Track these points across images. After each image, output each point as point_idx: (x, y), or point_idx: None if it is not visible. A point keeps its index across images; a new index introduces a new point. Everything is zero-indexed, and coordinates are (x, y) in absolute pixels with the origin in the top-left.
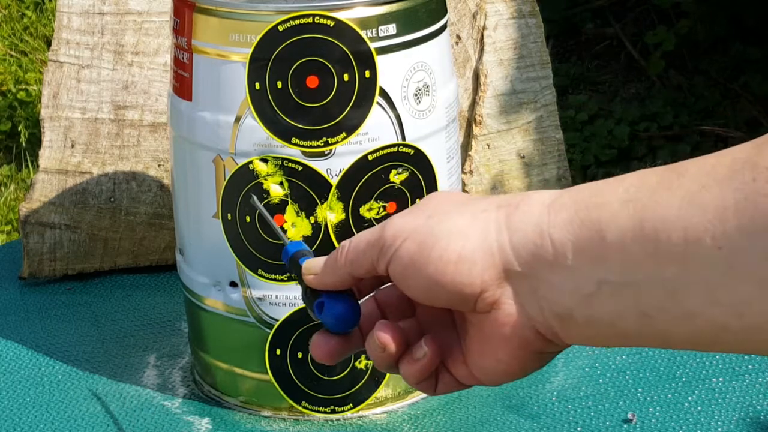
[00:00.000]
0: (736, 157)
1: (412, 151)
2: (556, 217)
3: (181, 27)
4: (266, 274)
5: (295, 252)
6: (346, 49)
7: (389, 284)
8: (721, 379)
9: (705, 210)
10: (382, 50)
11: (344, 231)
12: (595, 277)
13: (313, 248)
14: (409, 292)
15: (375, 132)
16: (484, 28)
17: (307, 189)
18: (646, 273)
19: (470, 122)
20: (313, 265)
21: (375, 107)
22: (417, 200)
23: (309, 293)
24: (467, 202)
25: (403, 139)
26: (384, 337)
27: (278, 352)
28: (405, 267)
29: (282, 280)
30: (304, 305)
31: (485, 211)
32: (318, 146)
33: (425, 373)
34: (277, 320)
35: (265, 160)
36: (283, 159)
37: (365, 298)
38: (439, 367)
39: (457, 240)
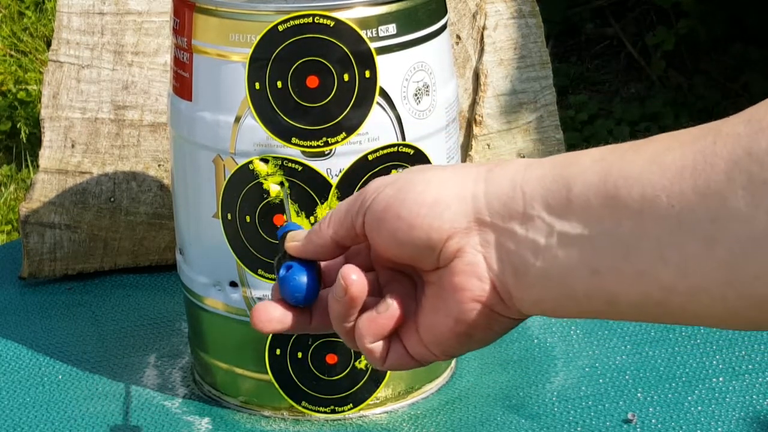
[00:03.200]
0: (703, 127)
1: (412, 151)
2: (531, 173)
3: (181, 27)
4: (266, 274)
5: (291, 229)
6: (346, 49)
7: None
8: (721, 379)
9: (665, 169)
10: (382, 50)
11: None
12: (556, 228)
13: None
14: (378, 242)
15: (375, 132)
16: (484, 28)
17: (307, 189)
18: (603, 227)
19: (470, 122)
20: (298, 233)
21: (375, 107)
22: None
23: (282, 258)
24: (452, 164)
25: (403, 139)
26: (348, 277)
27: (278, 352)
28: (379, 212)
29: None
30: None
31: (466, 167)
32: (318, 146)
33: (384, 331)
34: None
35: (265, 160)
36: (283, 159)
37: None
38: (392, 336)
39: (434, 187)
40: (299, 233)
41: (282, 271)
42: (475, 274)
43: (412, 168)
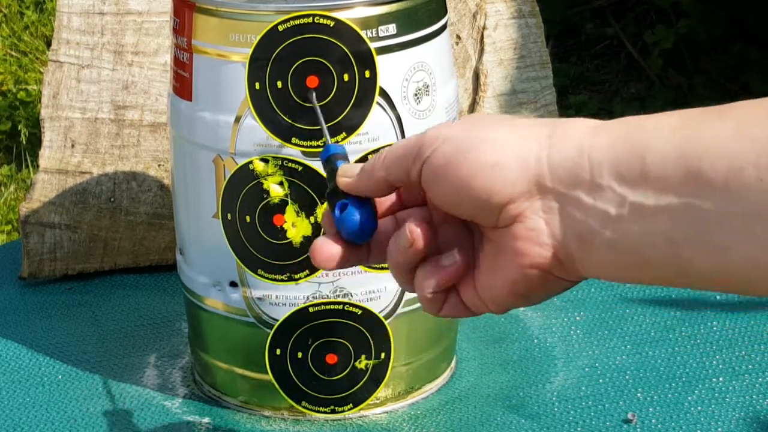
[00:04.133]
0: None
1: None
2: (598, 139)
3: (181, 27)
4: (266, 274)
5: (334, 153)
6: (346, 49)
7: (413, 208)
8: (721, 379)
9: (753, 141)
10: (382, 50)
11: None
12: (629, 199)
13: None
14: (436, 196)
15: (375, 132)
16: (484, 28)
17: (307, 189)
18: (683, 200)
19: None
20: (349, 168)
21: (375, 107)
22: None
23: (335, 193)
24: (509, 118)
25: (403, 138)
26: (416, 231)
27: (278, 352)
28: (438, 167)
29: (282, 280)
30: (304, 305)
31: (527, 125)
32: (318, 146)
33: (446, 283)
34: (277, 320)
35: (265, 160)
36: (283, 159)
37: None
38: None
39: (494, 148)
40: (350, 168)
41: (337, 211)
42: (536, 240)
43: (471, 119)
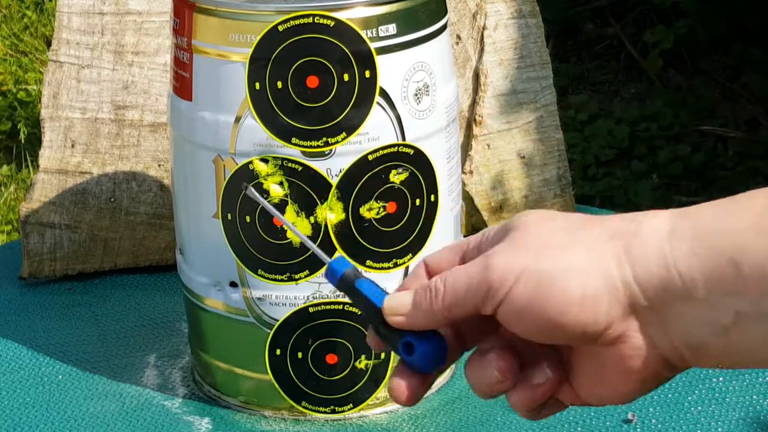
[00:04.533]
0: None
1: (412, 151)
2: (679, 248)
3: (181, 27)
4: (266, 274)
5: (345, 271)
6: (346, 49)
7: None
8: (721, 379)
9: None
10: (382, 50)
11: (344, 231)
12: (733, 308)
13: None
14: (522, 333)
15: (375, 132)
16: (484, 28)
17: (307, 189)
18: None
19: (470, 122)
20: (396, 304)
21: (375, 107)
22: (417, 201)
23: (388, 331)
24: (572, 230)
25: (403, 139)
26: (503, 367)
27: (278, 352)
28: (520, 310)
29: (282, 280)
30: (304, 305)
31: (598, 242)
32: (318, 146)
33: (542, 400)
34: (277, 320)
35: (265, 160)
36: (283, 159)
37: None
38: None
39: (577, 278)
40: (398, 305)
41: (404, 354)
42: (643, 356)
43: (529, 238)
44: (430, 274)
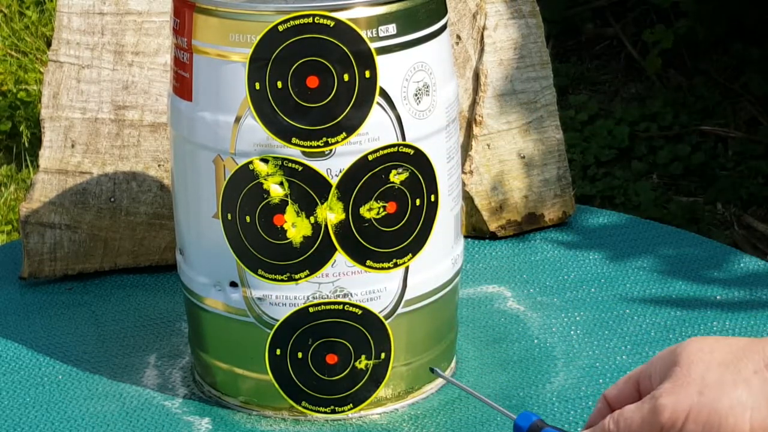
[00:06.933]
0: None
1: (412, 151)
2: None
3: (181, 27)
4: (266, 274)
5: (531, 425)
6: (346, 49)
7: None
8: None
9: None
10: (382, 50)
11: (344, 231)
12: None
13: (314, 248)
14: None
15: (375, 132)
16: (484, 28)
17: (307, 189)
18: None
19: (470, 122)
20: None
21: (375, 107)
22: (417, 201)
23: None
24: (733, 365)
25: (403, 139)
26: None
27: (278, 352)
28: None
29: (282, 280)
30: (304, 305)
31: (757, 374)
32: (318, 146)
33: None
34: (277, 320)
35: (265, 160)
36: (283, 159)
37: None
38: None
39: (743, 413)
40: None
41: None
42: None
43: (693, 376)
44: (612, 408)
